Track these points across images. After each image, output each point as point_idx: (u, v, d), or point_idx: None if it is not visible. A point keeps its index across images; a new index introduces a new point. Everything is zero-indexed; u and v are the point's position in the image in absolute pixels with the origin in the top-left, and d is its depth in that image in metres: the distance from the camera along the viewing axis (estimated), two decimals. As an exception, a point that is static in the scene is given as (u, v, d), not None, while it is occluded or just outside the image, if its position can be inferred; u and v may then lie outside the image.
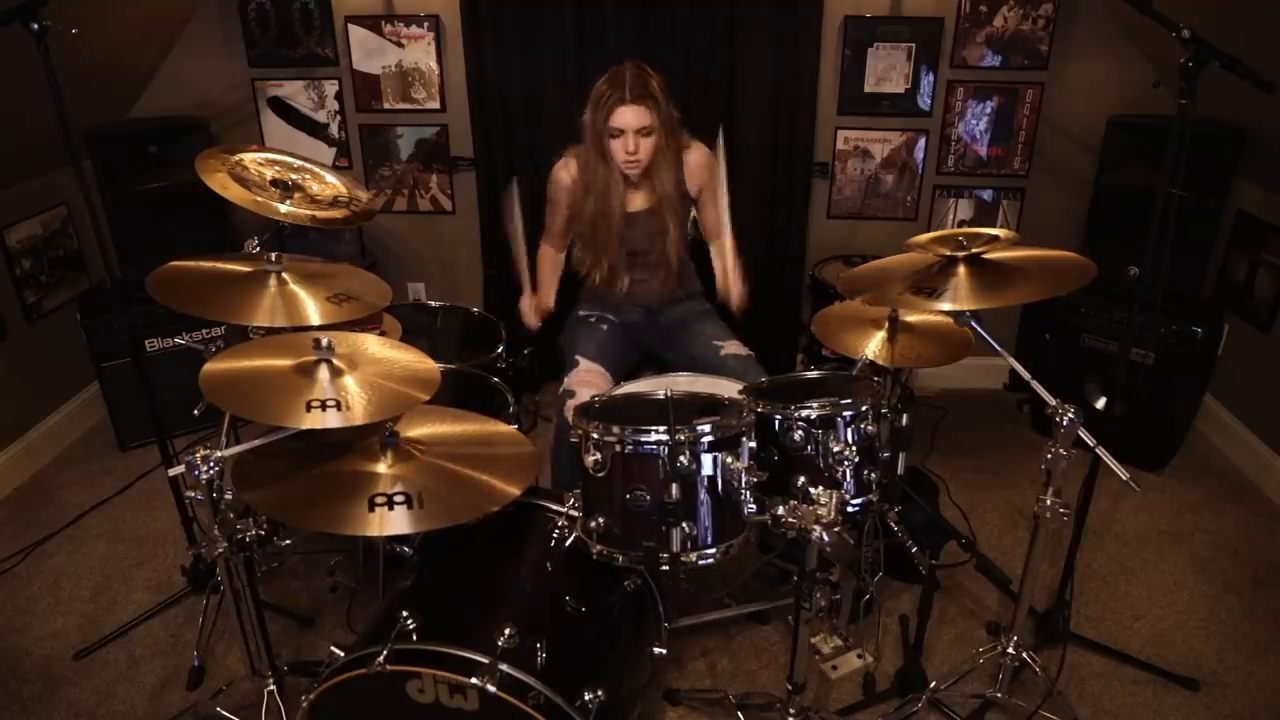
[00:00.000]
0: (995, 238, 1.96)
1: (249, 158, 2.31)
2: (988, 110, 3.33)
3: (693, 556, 1.75)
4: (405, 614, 1.59)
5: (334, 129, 3.52)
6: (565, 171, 2.58)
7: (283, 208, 2.20)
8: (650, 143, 2.41)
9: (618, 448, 1.72)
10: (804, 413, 1.91)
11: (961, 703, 2.14)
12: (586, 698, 1.61)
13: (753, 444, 1.79)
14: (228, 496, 1.68)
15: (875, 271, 2.16)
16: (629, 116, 2.36)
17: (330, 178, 2.43)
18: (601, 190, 2.49)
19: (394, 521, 1.59)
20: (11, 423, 3.15)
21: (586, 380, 2.45)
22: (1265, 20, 2.40)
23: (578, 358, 2.53)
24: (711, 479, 1.73)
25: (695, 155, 2.58)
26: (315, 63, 3.40)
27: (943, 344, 2.24)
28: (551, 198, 2.65)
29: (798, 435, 1.91)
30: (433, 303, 3.12)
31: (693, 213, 2.69)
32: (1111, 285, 2.95)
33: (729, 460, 1.73)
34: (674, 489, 1.69)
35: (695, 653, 2.34)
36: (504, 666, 1.52)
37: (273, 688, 1.94)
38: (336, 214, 2.31)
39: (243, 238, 2.31)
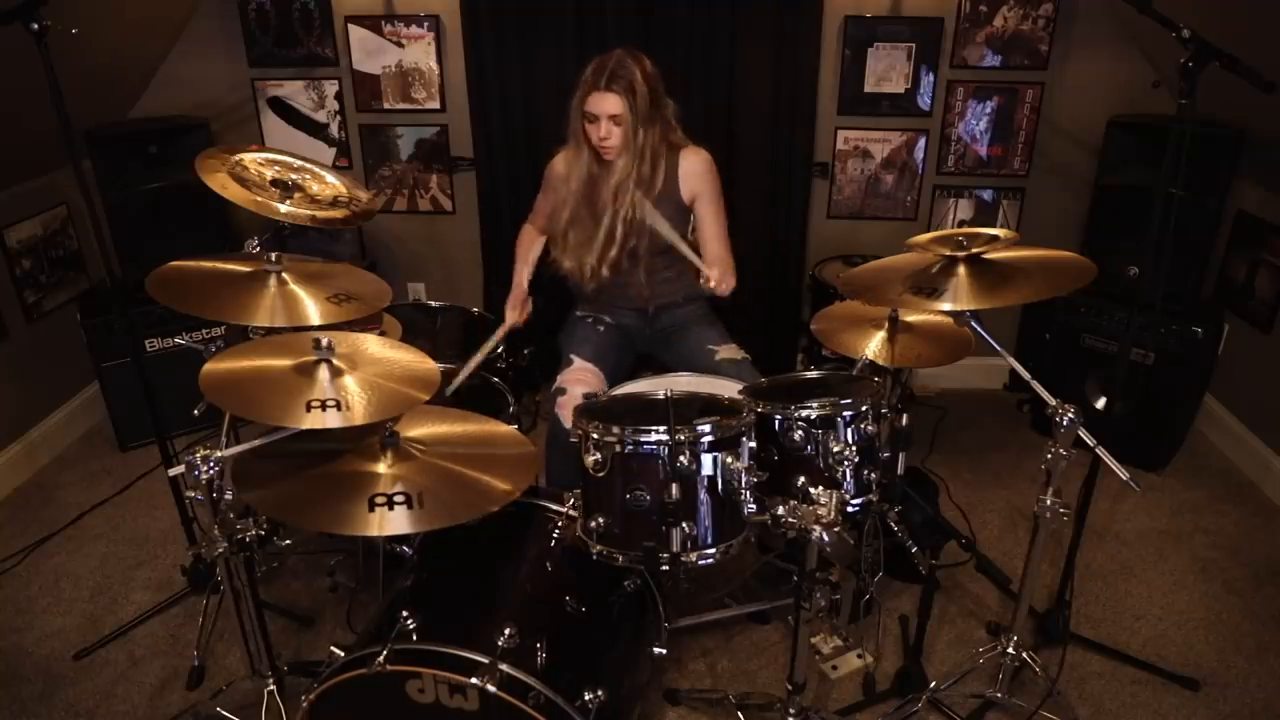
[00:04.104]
0: (995, 238, 1.96)
1: (249, 158, 2.32)
2: (988, 110, 3.33)
3: (693, 556, 1.75)
4: (405, 614, 1.59)
5: (334, 129, 3.52)
6: (562, 160, 2.57)
7: (283, 208, 2.21)
8: (620, 132, 2.38)
9: (618, 448, 1.72)
10: (804, 413, 1.91)
11: (961, 703, 2.14)
12: (586, 698, 1.61)
13: (753, 444, 1.79)
14: (228, 496, 1.68)
15: (875, 271, 2.16)
16: (601, 103, 2.35)
17: (330, 178, 2.43)
18: (585, 176, 2.48)
19: (394, 521, 1.59)
20: (11, 423, 3.15)
21: (579, 378, 2.45)
22: (1265, 20, 2.40)
23: (572, 356, 2.53)
24: (711, 479, 1.73)
25: (691, 160, 2.51)
26: (315, 63, 3.40)
27: (943, 344, 2.24)
28: (547, 182, 2.65)
29: (798, 435, 1.91)
30: (433, 303, 3.13)
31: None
32: (1111, 285, 2.97)
33: (729, 460, 1.73)
34: (674, 489, 1.69)
35: (695, 653, 2.34)
36: (504, 666, 1.52)
37: (273, 688, 1.94)
38: (336, 214, 2.31)
39: (243, 238, 2.31)
